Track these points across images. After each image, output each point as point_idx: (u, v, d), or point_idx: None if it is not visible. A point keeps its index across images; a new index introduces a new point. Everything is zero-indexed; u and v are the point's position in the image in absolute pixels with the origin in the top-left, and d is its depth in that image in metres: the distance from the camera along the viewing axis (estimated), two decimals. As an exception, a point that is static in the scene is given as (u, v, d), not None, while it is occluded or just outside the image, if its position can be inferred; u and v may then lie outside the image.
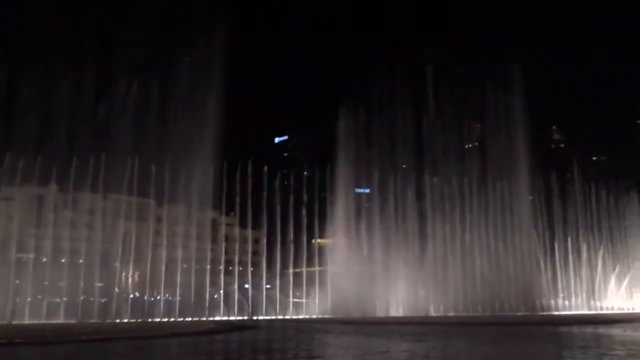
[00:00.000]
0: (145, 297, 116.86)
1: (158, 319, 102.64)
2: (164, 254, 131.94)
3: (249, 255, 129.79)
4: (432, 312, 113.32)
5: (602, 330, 55.00)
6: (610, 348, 35.78)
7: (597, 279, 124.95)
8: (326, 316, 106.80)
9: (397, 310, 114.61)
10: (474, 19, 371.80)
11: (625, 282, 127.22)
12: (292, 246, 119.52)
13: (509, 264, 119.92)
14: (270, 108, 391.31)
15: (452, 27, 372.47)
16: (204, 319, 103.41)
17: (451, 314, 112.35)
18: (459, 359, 30.78)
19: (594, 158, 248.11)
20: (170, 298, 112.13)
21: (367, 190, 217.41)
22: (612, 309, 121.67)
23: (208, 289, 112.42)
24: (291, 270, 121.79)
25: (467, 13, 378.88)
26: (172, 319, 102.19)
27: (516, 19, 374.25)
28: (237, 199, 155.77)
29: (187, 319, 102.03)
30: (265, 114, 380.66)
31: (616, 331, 52.30)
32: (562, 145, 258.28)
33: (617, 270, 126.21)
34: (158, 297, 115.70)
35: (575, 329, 58.47)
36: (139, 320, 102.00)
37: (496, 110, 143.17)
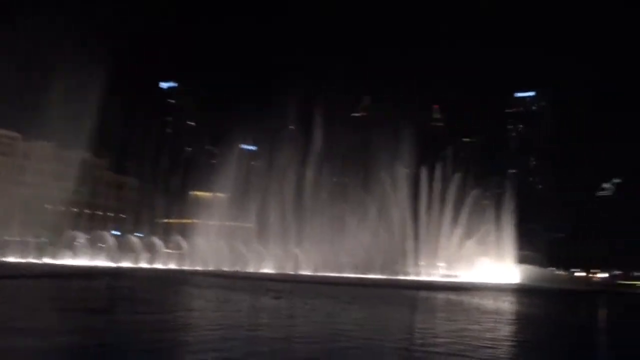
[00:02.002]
0: (4, 236, 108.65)
1: (13, 259, 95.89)
2: (27, 192, 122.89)
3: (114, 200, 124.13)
4: (302, 271, 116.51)
5: (452, 296, 60.11)
6: (455, 313, 39.35)
7: (453, 249, 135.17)
8: (198, 268, 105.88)
9: (268, 266, 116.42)
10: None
11: (478, 254, 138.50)
12: (166, 196, 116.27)
13: (380, 230, 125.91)
14: (159, 51, 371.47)
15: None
16: (67, 262, 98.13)
17: (321, 273, 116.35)
18: (317, 317, 32.18)
19: (466, 139, 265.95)
20: (30, 239, 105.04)
21: (253, 148, 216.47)
22: (464, 277, 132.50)
23: (73, 232, 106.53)
24: (165, 220, 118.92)
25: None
26: (31, 260, 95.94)
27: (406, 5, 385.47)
28: (112, 142, 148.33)
29: (49, 262, 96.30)
30: (152, 56, 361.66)
31: (465, 298, 57.49)
32: (440, 125, 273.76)
33: (471, 242, 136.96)
34: (17, 238, 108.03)
35: (432, 294, 63.34)
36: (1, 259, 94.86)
37: (383, 85, 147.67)
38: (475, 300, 55.79)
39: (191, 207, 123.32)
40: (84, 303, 34.26)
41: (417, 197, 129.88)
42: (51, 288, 44.36)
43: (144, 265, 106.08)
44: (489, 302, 53.47)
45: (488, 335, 26.25)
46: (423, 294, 65.05)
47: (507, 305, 51.66)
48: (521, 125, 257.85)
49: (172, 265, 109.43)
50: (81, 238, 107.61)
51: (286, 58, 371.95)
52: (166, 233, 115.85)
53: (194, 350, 18.89)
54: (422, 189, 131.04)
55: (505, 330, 30.20)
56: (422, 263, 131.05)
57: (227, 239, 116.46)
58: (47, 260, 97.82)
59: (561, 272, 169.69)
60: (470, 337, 24.82)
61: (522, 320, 38.48)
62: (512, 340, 25.97)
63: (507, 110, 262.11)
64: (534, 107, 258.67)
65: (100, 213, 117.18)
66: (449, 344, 22.03)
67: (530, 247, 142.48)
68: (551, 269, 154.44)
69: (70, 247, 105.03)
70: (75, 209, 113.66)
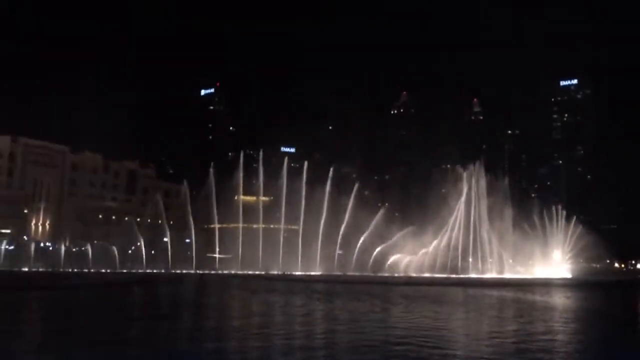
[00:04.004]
0: (57, 246, 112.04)
1: (70, 269, 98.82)
2: (78, 203, 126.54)
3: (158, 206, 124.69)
4: (350, 272, 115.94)
5: (511, 294, 59.07)
6: (518, 312, 38.42)
7: (505, 246, 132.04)
8: (250, 272, 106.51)
9: (315, 268, 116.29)
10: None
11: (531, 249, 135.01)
12: (214, 201, 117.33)
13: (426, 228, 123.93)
14: (197, 60, 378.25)
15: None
16: (124, 271, 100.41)
17: (369, 273, 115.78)
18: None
19: (509, 131, 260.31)
20: (83, 249, 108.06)
21: (292, 150, 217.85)
22: (515, 273, 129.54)
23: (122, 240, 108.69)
24: (212, 226, 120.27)
25: None
26: (85, 270, 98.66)
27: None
28: (159, 151, 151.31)
29: (102, 271, 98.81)
30: (192, 65, 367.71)
31: (527, 295, 56.47)
32: (482, 118, 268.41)
33: (523, 239, 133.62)
34: (73, 248, 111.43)
35: (487, 292, 62.22)
36: (50, 269, 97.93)
37: (420, 80, 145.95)
38: (538, 297, 54.38)
39: (236, 212, 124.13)
40: (152, 310, 34.94)
41: (467, 195, 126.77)
42: (117, 296, 45.36)
43: (197, 270, 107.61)
44: (554, 300, 51.88)
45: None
46: (480, 291, 63.78)
47: (570, 302, 50.26)
48: (566, 115, 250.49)
49: (224, 270, 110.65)
50: (134, 246, 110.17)
51: (319, 57, 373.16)
52: (214, 238, 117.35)
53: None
54: (471, 185, 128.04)
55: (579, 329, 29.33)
56: (470, 260, 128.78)
57: (274, 242, 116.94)
58: (104, 269, 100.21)
59: (616, 265, 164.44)
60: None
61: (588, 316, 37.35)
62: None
63: (552, 99, 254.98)
64: (578, 96, 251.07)
65: (149, 220, 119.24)
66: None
67: (582, 240, 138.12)
68: (606, 261, 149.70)
69: (127, 256, 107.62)
70: (126, 218, 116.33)
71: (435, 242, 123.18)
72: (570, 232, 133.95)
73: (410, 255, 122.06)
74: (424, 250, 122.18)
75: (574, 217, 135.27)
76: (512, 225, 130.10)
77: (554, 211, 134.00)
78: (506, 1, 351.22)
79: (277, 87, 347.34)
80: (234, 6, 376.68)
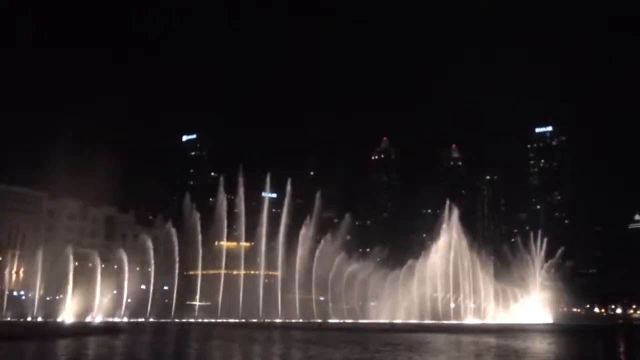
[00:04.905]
0: (30, 295, 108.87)
1: (42, 319, 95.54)
2: (54, 250, 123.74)
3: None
4: (329, 319, 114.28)
5: (495, 340, 58.65)
6: None
7: (484, 292, 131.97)
8: (231, 320, 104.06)
9: (295, 315, 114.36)
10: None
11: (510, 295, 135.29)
12: (200, 247, 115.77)
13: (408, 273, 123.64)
14: (178, 106, 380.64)
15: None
16: (99, 320, 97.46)
17: (349, 320, 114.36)
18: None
19: (487, 177, 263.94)
20: (61, 297, 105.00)
21: (274, 195, 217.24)
22: (496, 318, 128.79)
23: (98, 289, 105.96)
24: (192, 272, 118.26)
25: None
26: (59, 320, 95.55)
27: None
28: (138, 196, 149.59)
29: (77, 320, 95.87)
30: (173, 112, 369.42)
31: (510, 342, 56.11)
32: (460, 164, 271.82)
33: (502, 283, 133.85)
34: (47, 297, 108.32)
35: (471, 339, 61.64)
36: (21, 320, 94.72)
37: (399, 126, 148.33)
38: (521, 343, 54.06)
39: (215, 258, 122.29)
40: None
41: (447, 238, 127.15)
42: (89, 347, 44.05)
43: (172, 319, 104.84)
44: (536, 346, 51.65)
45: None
46: (463, 338, 63.28)
47: (552, 347, 50.03)
48: (542, 161, 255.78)
49: (203, 318, 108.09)
50: (111, 294, 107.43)
51: (300, 103, 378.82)
52: (194, 285, 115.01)
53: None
54: (449, 229, 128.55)
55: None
56: (452, 305, 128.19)
57: (254, 288, 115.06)
58: (79, 319, 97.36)
59: (596, 310, 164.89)
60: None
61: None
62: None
63: (528, 146, 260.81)
64: (553, 142, 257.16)
65: (128, 267, 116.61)
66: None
67: (561, 284, 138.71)
68: (586, 306, 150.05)
69: (105, 304, 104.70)
70: (103, 265, 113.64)
71: (409, 262, 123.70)
72: (553, 261, 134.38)
73: (391, 271, 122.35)
74: (408, 263, 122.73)
75: (562, 249, 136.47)
76: (493, 270, 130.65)
77: (532, 239, 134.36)
78: (483, 49, 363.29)
79: (258, 132, 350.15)
80: (217, 53, 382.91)
